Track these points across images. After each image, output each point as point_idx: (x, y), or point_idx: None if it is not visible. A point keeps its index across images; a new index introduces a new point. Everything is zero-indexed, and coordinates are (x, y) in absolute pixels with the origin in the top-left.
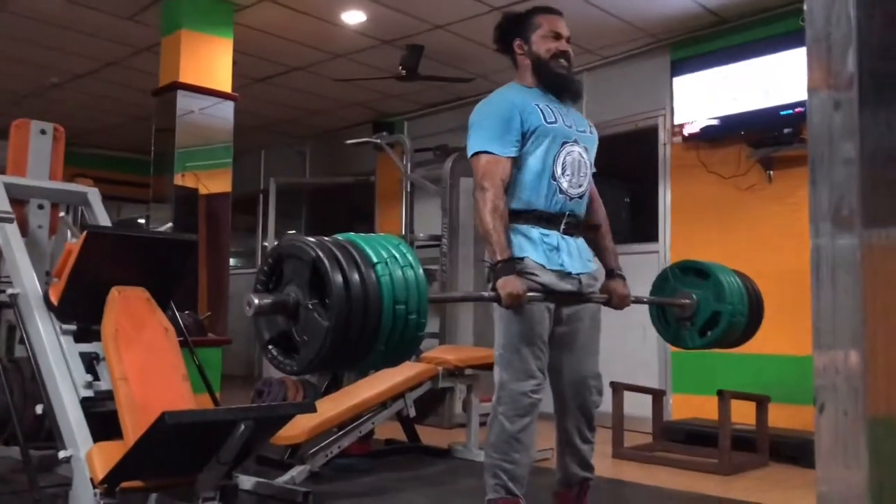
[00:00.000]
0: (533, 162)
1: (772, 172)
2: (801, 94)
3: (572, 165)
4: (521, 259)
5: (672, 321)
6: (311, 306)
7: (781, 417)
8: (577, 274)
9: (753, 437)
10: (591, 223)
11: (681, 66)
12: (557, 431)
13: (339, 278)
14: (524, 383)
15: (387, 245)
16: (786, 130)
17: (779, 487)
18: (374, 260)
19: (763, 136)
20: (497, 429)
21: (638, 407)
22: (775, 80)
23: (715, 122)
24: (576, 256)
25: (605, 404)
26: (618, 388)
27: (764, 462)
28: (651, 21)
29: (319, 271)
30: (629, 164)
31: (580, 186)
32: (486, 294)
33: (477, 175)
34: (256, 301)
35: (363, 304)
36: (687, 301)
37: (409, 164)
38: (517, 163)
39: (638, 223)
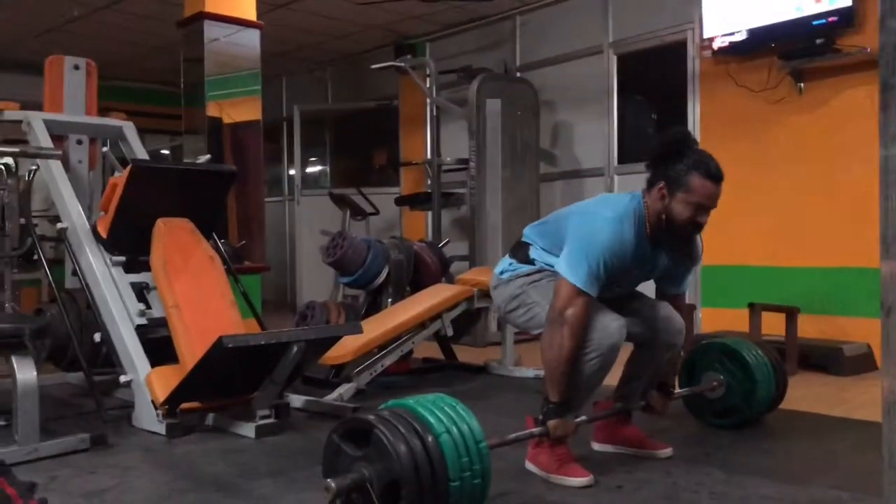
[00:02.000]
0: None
1: (802, 84)
2: (833, 3)
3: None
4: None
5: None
6: (382, 486)
7: (810, 328)
8: None
9: (783, 347)
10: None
11: None
12: (624, 380)
13: (408, 457)
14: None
15: (443, 407)
16: (818, 41)
17: (809, 393)
18: (436, 429)
19: (794, 48)
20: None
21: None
22: None
23: (745, 34)
24: None
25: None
26: None
27: (793, 370)
28: None
29: (388, 451)
30: (657, 80)
31: None
32: (535, 431)
33: (565, 310)
34: (335, 485)
35: (432, 481)
36: (716, 387)
37: (433, 87)
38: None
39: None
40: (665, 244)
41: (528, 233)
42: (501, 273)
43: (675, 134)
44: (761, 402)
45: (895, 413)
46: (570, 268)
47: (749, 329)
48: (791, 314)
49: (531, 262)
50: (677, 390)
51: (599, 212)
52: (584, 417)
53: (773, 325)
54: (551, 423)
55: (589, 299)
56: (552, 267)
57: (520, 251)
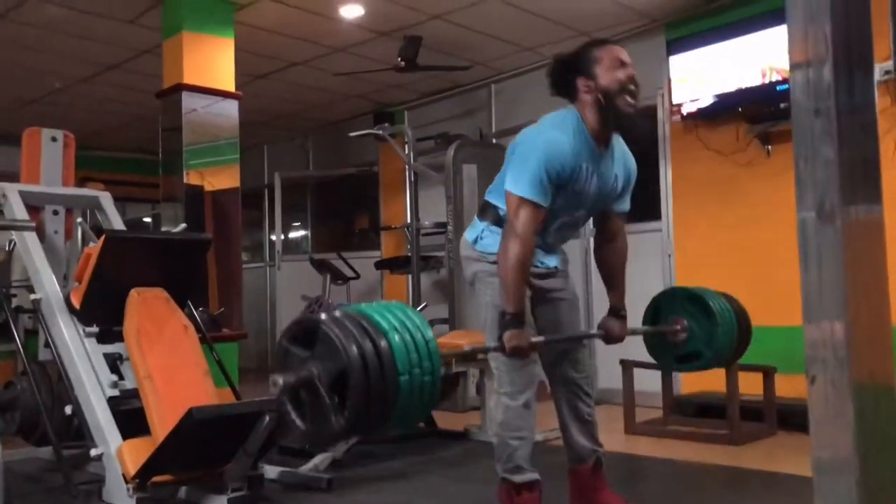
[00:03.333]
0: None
1: (770, 147)
2: None
3: (565, 227)
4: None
5: (659, 336)
6: (331, 380)
7: (787, 387)
8: (549, 262)
9: (761, 407)
10: (606, 263)
11: (676, 46)
12: (557, 409)
13: (355, 351)
14: (519, 361)
15: (395, 312)
16: (782, 105)
17: (788, 455)
18: (385, 328)
19: (760, 112)
20: (501, 408)
21: (648, 383)
22: (770, 55)
23: (712, 99)
24: (551, 254)
25: (616, 381)
26: (627, 365)
27: (772, 431)
28: (644, 2)
29: (336, 346)
30: (629, 145)
31: (563, 241)
32: (490, 345)
33: (514, 220)
34: (281, 381)
35: (380, 374)
36: (680, 334)
37: (411, 154)
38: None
39: (640, 202)
40: (619, 131)
41: (492, 191)
42: (473, 242)
43: (556, 55)
44: (723, 347)
45: (824, 480)
46: (513, 181)
47: (726, 389)
48: (768, 373)
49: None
50: (641, 327)
51: (534, 129)
52: (542, 338)
53: (750, 384)
54: (507, 333)
55: (534, 207)
56: None
57: (488, 212)
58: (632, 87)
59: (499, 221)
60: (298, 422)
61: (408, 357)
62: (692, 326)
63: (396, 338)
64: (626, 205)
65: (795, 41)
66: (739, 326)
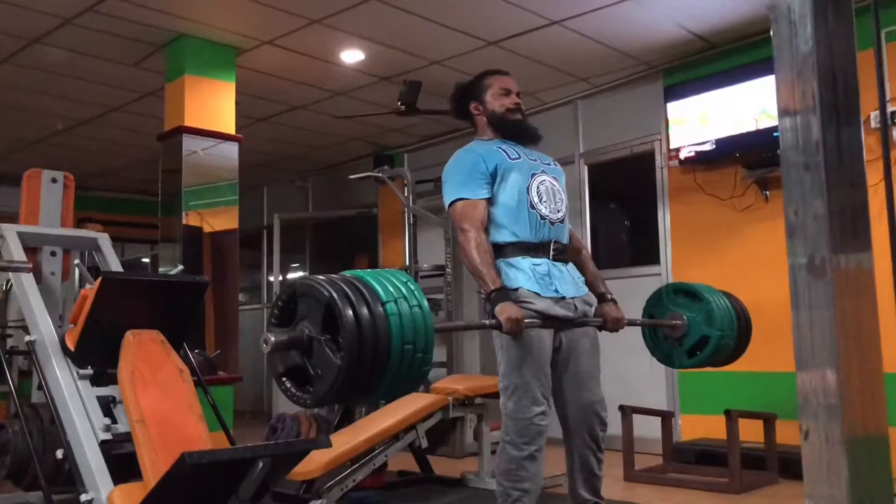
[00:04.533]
0: (507, 196)
1: (768, 192)
2: None
3: (547, 193)
4: (516, 290)
5: (662, 340)
6: (323, 342)
7: (789, 434)
8: (572, 298)
9: (762, 454)
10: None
11: (674, 92)
12: (567, 457)
13: (350, 315)
14: (529, 410)
15: (395, 282)
16: (779, 151)
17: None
18: (384, 298)
19: (758, 158)
20: (505, 457)
21: (647, 429)
22: (767, 102)
23: (710, 145)
24: (569, 281)
25: (615, 427)
26: (627, 411)
27: (774, 479)
28: (642, 49)
29: (332, 309)
30: (628, 189)
31: (559, 212)
32: (487, 322)
33: (455, 221)
34: (273, 338)
35: (373, 342)
36: (678, 322)
37: (410, 196)
38: (493, 201)
39: (639, 246)
40: (514, 135)
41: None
42: None
43: (457, 83)
44: (723, 320)
45: None
46: (447, 191)
47: (726, 436)
48: (769, 421)
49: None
50: (641, 319)
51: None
52: (532, 314)
53: (751, 431)
54: (498, 307)
55: (466, 201)
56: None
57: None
58: (516, 112)
59: (502, 252)
60: (294, 390)
61: (401, 328)
62: (688, 315)
63: (393, 308)
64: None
65: (783, 95)
66: (730, 301)
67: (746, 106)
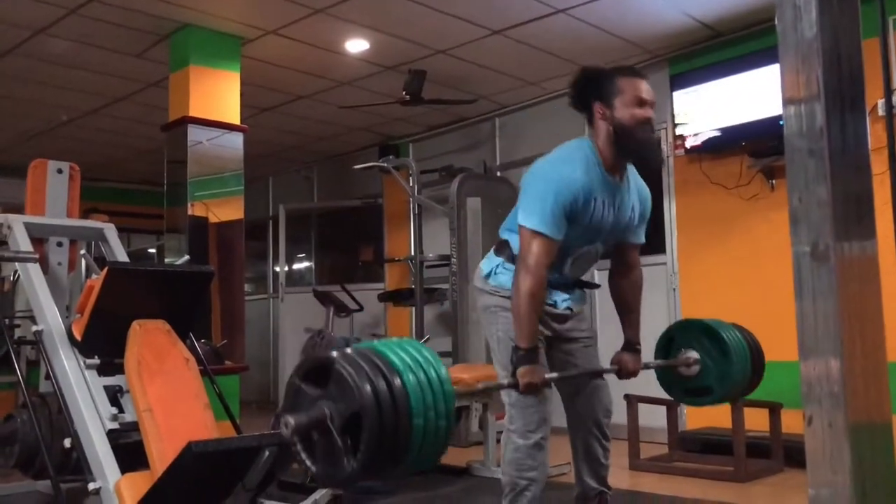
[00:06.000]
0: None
1: (774, 181)
2: None
3: (582, 259)
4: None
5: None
6: (343, 421)
7: (794, 423)
8: (565, 304)
9: (768, 443)
10: (621, 296)
11: (680, 80)
12: (572, 446)
13: (368, 391)
14: (532, 399)
15: (409, 350)
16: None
17: (795, 492)
18: (400, 367)
19: (763, 146)
20: (511, 446)
21: (652, 418)
22: (772, 90)
23: (716, 133)
24: (564, 293)
25: (621, 416)
26: (632, 401)
27: (779, 468)
28: (648, 37)
29: (349, 386)
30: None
31: (582, 272)
32: (504, 382)
33: (526, 253)
34: (292, 421)
35: (394, 418)
36: (691, 363)
37: (415, 186)
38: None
39: (644, 235)
40: (635, 159)
41: (506, 228)
42: (487, 276)
43: (584, 68)
44: (735, 385)
45: None
46: (525, 214)
47: (732, 425)
48: (774, 409)
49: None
50: (654, 361)
51: (546, 161)
52: (555, 374)
53: (757, 420)
54: (521, 370)
55: (547, 240)
56: None
57: (504, 249)
58: (647, 127)
59: (513, 259)
60: (309, 463)
61: (423, 399)
62: (705, 361)
63: (411, 377)
64: (641, 236)
65: (788, 80)
66: (753, 364)
67: (752, 94)
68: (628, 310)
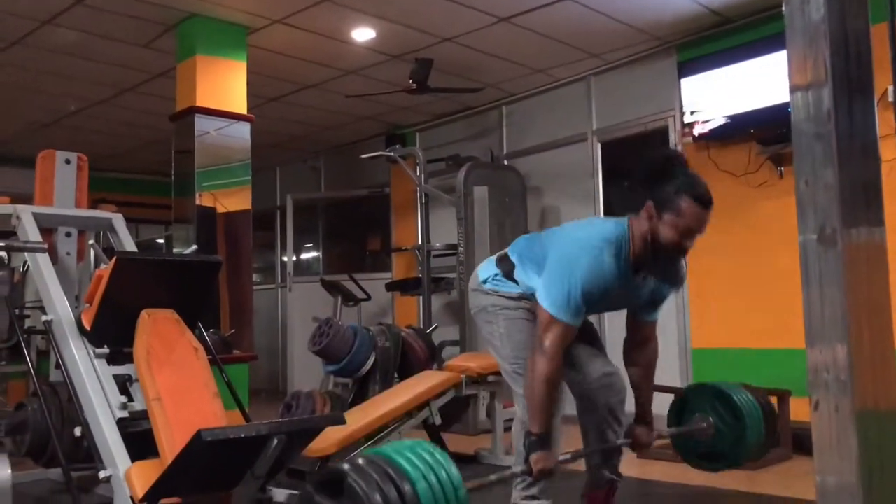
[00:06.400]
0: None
1: (782, 168)
2: None
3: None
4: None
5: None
6: None
7: (803, 410)
8: None
9: (777, 431)
10: (634, 372)
11: (688, 67)
12: (583, 434)
13: (379, 499)
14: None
15: (420, 453)
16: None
17: (803, 479)
18: (412, 476)
19: (772, 133)
20: (522, 434)
21: (662, 406)
22: (781, 76)
23: (724, 120)
24: None
25: (629, 405)
26: None
27: (787, 455)
28: (656, 24)
29: (361, 499)
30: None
31: None
32: (518, 469)
33: (543, 337)
34: None
35: None
36: (705, 429)
37: (422, 175)
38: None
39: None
40: (648, 268)
41: (517, 251)
42: (484, 281)
43: (663, 153)
44: (749, 449)
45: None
46: (548, 296)
47: None
48: (783, 397)
49: (515, 282)
50: (668, 429)
51: (581, 238)
52: (568, 455)
53: None
54: (534, 456)
55: (565, 327)
56: (533, 294)
57: (505, 264)
58: (682, 254)
59: (509, 276)
60: None
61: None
62: (719, 426)
63: (422, 485)
64: (656, 315)
65: (795, 64)
66: (767, 426)
67: (761, 81)
68: (641, 382)
